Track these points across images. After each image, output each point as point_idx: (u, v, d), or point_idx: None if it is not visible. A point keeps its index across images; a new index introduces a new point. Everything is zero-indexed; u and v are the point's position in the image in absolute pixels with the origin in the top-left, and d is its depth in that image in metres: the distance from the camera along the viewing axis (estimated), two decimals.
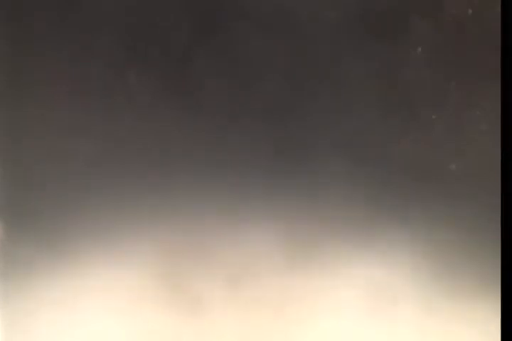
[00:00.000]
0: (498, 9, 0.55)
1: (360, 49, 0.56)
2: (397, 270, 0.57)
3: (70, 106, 0.56)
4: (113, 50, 0.55)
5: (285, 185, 0.57)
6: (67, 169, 0.56)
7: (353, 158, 0.57)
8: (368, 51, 0.56)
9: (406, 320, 0.58)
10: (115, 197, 0.56)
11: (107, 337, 0.57)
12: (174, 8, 0.55)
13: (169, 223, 0.57)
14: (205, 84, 0.56)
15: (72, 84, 0.56)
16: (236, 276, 0.57)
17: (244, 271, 0.57)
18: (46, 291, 0.56)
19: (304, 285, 0.57)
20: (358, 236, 0.57)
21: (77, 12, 0.55)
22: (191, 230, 0.57)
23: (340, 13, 0.56)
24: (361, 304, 0.58)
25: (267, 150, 0.57)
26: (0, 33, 0.55)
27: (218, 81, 0.56)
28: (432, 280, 0.57)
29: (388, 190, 0.57)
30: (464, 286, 0.57)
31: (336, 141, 0.56)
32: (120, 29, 0.55)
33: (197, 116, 0.56)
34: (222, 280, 0.57)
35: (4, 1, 0.55)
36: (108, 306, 0.57)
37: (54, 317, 0.57)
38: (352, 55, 0.56)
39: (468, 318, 0.58)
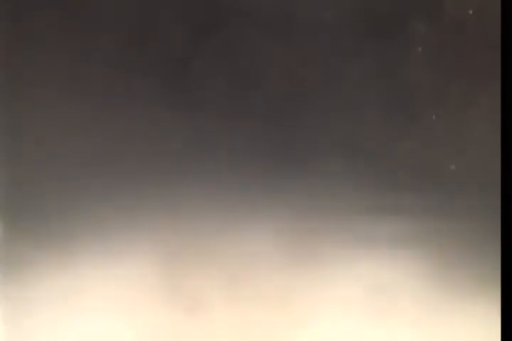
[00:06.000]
0: (498, 9, 0.55)
1: (360, 49, 0.56)
2: (397, 270, 0.57)
3: (70, 106, 0.56)
4: (113, 50, 0.55)
5: (285, 184, 0.57)
6: (66, 169, 0.56)
7: (353, 158, 0.56)
8: (368, 51, 0.56)
9: (406, 319, 0.58)
10: (115, 196, 0.56)
11: (106, 336, 0.57)
12: (174, 8, 0.55)
13: (169, 223, 0.57)
14: (205, 84, 0.56)
15: (72, 84, 0.56)
16: (236, 276, 0.57)
17: (244, 270, 0.57)
18: (45, 290, 0.56)
19: (304, 285, 0.57)
20: (358, 236, 0.57)
21: (77, 12, 0.55)
22: (191, 230, 0.57)
23: (340, 13, 0.56)
24: (361, 304, 0.57)
25: (267, 149, 0.56)
26: (0, 33, 0.55)
27: (218, 81, 0.56)
28: (432, 280, 0.57)
29: (388, 190, 0.57)
30: (463, 286, 0.57)
31: (336, 141, 0.56)
32: (120, 29, 0.55)
33: (197, 115, 0.56)
34: (222, 280, 0.57)
35: (4, 1, 0.55)
36: (108, 305, 0.57)
37: (54, 316, 0.57)
38: (352, 55, 0.56)
39: (468, 318, 0.58)
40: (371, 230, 0.57)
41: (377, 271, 0.57)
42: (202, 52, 0.56)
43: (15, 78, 0.55)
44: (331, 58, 0.56)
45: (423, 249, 0.57)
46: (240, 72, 0.56)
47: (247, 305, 0.58)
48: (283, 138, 0.56)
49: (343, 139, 0.56)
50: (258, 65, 0.56)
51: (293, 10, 0.55)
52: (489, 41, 0.55)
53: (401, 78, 0.56)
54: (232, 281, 0.57)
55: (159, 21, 0.55)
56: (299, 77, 0.56)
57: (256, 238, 0.57)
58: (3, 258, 0.56)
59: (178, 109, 0.56)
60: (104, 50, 0.55)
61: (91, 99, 0.56)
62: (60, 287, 0.57)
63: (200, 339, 0.58)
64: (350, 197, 0.57)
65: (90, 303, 0.57)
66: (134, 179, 0.56)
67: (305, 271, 0.57)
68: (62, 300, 0.57)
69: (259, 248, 0.57)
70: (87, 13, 0.55)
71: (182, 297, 0.57)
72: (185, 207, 0.57)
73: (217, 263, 0.57)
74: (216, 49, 0.56)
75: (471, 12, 0.56)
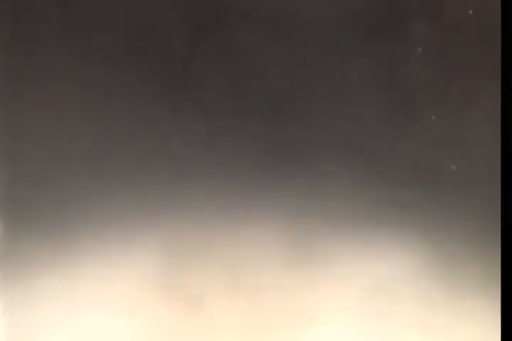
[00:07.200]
0: (498, 9, 0.55)
1: (360, 49, 0.56)
2: (397, 270, 0.57)
3: (70, 106, 0.56)
4: (113, 50, 0.55)
5: (285, 184, 0.57)
6: (66, 169, 0.56)
7: (353, 158, 0.56)
8: (368, 51, 0.56)
9: (406, 319, 0.58)
10: (115, 196, 0.56)
11: (107, 335, 0.57)
12: (174, 8, 0.55)
13: (169, 223, 0.57)
14: (205, 84, 0.56)
15: (72, 84, 0.56)
16: (236, 276, 0.57)
17: (244, 270, 0.57)
18: (46, 290, 0.57)
19: (304, 285, 0.57)
20: (358, 235, 0.57)
21: (77, 12, 0.55)
22: (191, 230, 0.57)
23: (340, 13, 0.56)
24: (361, 304, 0.57)
25: (267, 149, 0.57)
26: (0, 33, 0.55)
27: (218, 81, 0.56)
28: (432, 280, 0.57)
29: (388, 190, 0.57)
30: (464, 286, 0.57)
31: (336, 141, 0.56)
32: (120, 29, 0.55)
33: (197, 115, 0.56)
34: (222, 279, 0.57)
35: (4, 1, 0.55)
36: (108, 304, 0.57)
37: (54, 315, 0.57)
38: (352, 55, 0.56)
39: (468, 318, 0.58)
40: (371, 230, 0.57)
41: (377, 270, 0.57)
42: (202, 52, 0.56)
43: (15, 78, 0.55)
44: (331, 58, 0.56)
45: (423, 248, 0.57)
46: (240, 72, 0.56)
47: (247, 304, 0.58)
48: (283, 138, 0.56)
49: (343, 139, 0.56)
50: (258, 65, 0.56)
51: (293, 10, 0.55)
52: (489, 41, 0.55)
53: (401, 78, 0.56)
54: (232, 281, 0.57)
55: (159, 21, 0.55)
56: (299, 77, 0.56)
57: (256, 238, 0.57)
58: (4, 258, 0.56)
59: (178, 109, 0.56)
60: (104, 50, 0.55)
61: (91, 99, 0.56)
62: (60, 286, 0.57)
63: (200, 339, 0.58)
64: (350, 197, 0.57)
65: (90, 302, 0.57)
66: (134, 179, 0.56)
67: (305, 270, 0.57)
68: (63, 299, 0.57)
69: (259, 248, 0.57)
70: (87, 13, 0.55)
71: (182, 296, 0.57)
72: (186, 207, 0.57)
73: (217, 263, 0.57)
74: (216, 49, 0.56)
75: (471, 12, 0.56)
